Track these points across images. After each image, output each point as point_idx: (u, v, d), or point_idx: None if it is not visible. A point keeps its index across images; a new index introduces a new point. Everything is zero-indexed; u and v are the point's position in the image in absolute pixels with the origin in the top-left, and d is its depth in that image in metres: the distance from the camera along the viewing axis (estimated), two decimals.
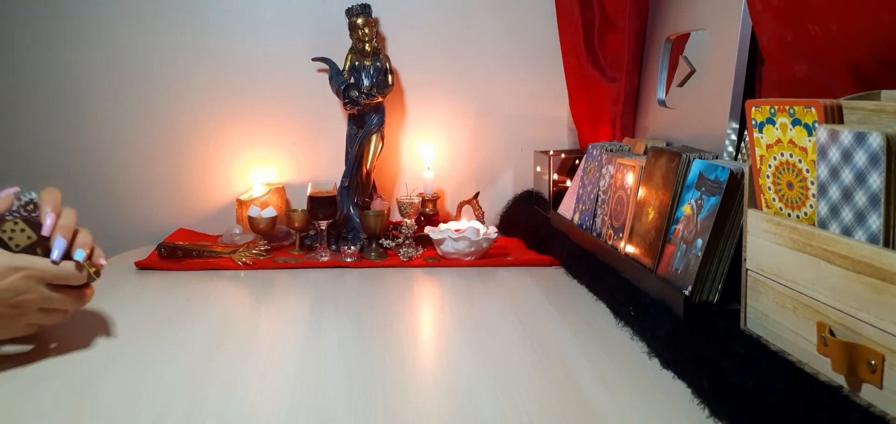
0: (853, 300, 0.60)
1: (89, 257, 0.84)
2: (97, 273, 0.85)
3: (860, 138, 0.60)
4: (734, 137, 1.00)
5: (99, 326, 0.95)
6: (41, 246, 0.82)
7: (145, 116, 1.57)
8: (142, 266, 1.29)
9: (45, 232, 0.82)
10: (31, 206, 0.84)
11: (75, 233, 0.85)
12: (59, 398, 0.73)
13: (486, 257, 1.33)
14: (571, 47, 1.51)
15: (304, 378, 0.79)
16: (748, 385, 0.64)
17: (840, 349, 0.61)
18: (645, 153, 1.08)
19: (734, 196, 0.84)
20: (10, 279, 0.77)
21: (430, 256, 1.36)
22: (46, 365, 0.81)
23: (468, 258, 1.31)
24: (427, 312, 1.07)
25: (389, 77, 1.46)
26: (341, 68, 1.46)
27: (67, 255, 0.83)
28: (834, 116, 0.66)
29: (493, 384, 0.76)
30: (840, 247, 0.62)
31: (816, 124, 0.66)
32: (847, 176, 0.61)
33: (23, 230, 0.82)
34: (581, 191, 1.29)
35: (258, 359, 0.84)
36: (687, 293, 0.85)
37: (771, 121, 0.73)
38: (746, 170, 0.79)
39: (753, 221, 0.76)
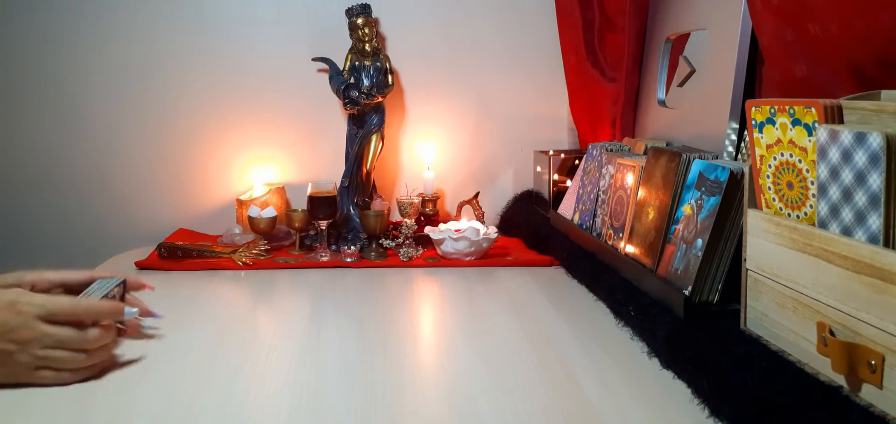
0: (853, 300, 0.60)
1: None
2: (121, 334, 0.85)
3: (860, 138, 0.60)
4: (734, 137, 1.00)
5: None
6: None
7: (145, 116, 1.57)
8: (142, 266, 1.29)
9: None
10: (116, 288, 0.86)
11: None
12: (59, 398, 0.73)
13: (486, 257, 1.33)
14: (571, 47, 1.51)
15: (304, 378, 0.79)
16: (748, 385, 0.64)
17: (840, 349, 0.61)
18: (645, 153, 1.07)
19: (734, 196, 0.84)
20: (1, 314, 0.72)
21: (430, 256, 1.35)
22: None
23: (468, 258, 1.31)
24: (427, 312, 1.07)
25: (389, 77, 1.46)
26: (341, 68, 1.46)
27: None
28: (834, 116, 0.66)
29: (493, 384, 0.76)
30: (840, 247, 0.62)
31: (816, 124, 0.66)
32: (847, 176, 0.61)
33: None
34: (581, 191, 1.29)
35: (258, 359, 0.84)
36: (687, 293, 0.85)
37: (771, 121, 0.73)
38: (746, 170, 0.79)
39: (753, 221, 0.76)
